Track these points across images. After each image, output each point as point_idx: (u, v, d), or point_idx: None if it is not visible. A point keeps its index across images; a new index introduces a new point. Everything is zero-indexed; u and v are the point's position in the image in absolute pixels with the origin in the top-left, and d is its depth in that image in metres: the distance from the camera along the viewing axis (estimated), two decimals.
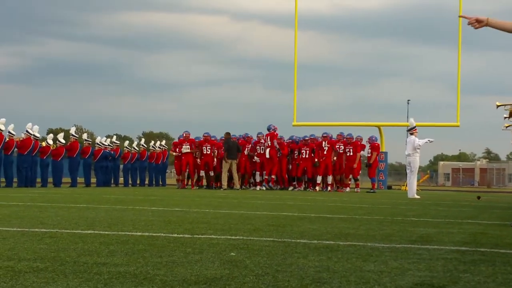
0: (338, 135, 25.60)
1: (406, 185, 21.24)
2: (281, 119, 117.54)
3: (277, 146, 25.00)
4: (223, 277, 3.46)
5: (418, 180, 23.23)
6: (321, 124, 35.78)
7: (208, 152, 25.41)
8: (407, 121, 30.85)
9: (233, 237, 5.51)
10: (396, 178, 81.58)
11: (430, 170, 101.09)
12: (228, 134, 25.06)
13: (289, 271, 3.74)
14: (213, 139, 26.13)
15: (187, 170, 26.30)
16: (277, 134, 25.47)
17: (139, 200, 12.70)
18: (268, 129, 25.54)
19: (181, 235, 5.59)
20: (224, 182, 24.38)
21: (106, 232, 5.70)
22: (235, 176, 24.39)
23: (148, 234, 5.59)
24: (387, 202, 15.24)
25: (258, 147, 25.54)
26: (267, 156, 24.90)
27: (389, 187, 37.31)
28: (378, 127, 36.08)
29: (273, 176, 25.21)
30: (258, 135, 25.93)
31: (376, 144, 25.86)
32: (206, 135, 25.81)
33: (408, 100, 67.58)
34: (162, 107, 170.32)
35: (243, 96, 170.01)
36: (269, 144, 24.97)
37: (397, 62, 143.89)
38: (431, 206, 13.25)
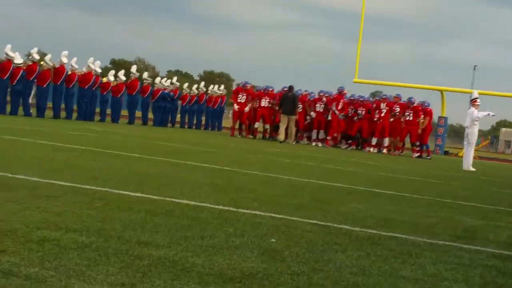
0: (395, 97, 25.42)
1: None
2: (342, 72, 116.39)
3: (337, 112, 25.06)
4: (258, 274, 3.52)
5: (477, 145, 22.93)
6: (382, 83, 35.44)
7: (265, 105, 25.46)
8: (471, 88, 30.37)
9: (276, 216, 5.57)
10: (454, 141, 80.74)
11: (491, 135, 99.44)
12: (290, 88, 24.99)
13: (325, 271, 3.79)
14: (270, 89, 26.12)
15: (240, 119, 26.50)
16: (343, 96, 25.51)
17: (192, 152, 12.84)
18: (340, 91, 25.60)
19: (226, 208, 5.67)
20: (281, 135, 24.40)
21: (154, 197, 5.81)
22: (292, 130, 24.38)
23: (194, 204, 5.68)
24: (440, 174, 15.12)
25: (318, 104, 25.48)
26: (329, 118, 24.98)
27: (446, 152, 36.88)
28: (441, 91, 35.56)
29: (328, 138, 25.25)
30: (320, 93, 25.95)
31: (429, 109, 25.49)
32: (266, 88, 25.92)
33: (475, 66, 66.20)
34: (225, 48, 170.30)
35: (306, 43, 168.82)
36: (335, 106, 25.00)
37: (468, 23, 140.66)
38: (484, 185, 13.11)
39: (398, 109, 24.62)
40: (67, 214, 4.51)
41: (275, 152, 16.39)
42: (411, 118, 24.39)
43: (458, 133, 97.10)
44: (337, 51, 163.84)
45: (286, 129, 24.44)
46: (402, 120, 24.56)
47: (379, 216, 6.39)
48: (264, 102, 25.51)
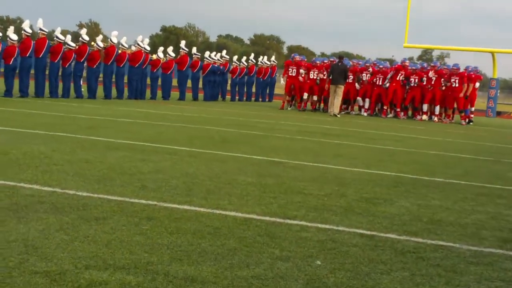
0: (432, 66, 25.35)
1: None
2: (392, 34, 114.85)
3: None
4: None
5: None
6: (432, 47, 35.05)
7: (314, 77, 25.47)
8: None
9: (323, 226, 5.63)
10: (509, 95, 79.40)
11: None
12: (340, 58, 24.90)
13: None
14: (319, 62, 26.13)
15: (291, 92, 26.62)
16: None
17: (241, 138, 12.91)
18: (402, 63, 25.54)
19: (272, 219, 5.75)
20: (330, 108, 24.36)
21: (201, 210, 5.91)
22: (337, 102, 24.30)
23: (241, 217, 5.77)
24: (491, 148, 14.95)
25: (364, 74, 25.42)
26: (385, 86, 24.93)
27: (499, 113, 36.46)
28: (492, 53, 34.95)
29: (385, 107, 25.26)
30: (375, 62, 26.02)
31: (473, 75, 25.14)
32: (315, 61, 25.98)
33: None
34: (274, 9, 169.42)
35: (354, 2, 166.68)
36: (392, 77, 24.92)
37: None
38: None
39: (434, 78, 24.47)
40: (116, 244, 4.63)
41: (324, 131, 16.39)
42: (457, 85, 24.13)
43: (511, 88, 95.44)
44: (385, 9, 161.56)
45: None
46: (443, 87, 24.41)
47: (426, 216, 6.40)
48: (313, 74, 25.49)
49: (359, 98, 25.74)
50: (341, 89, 24.07)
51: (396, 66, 25.68)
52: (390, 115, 25.44)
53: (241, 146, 11.38)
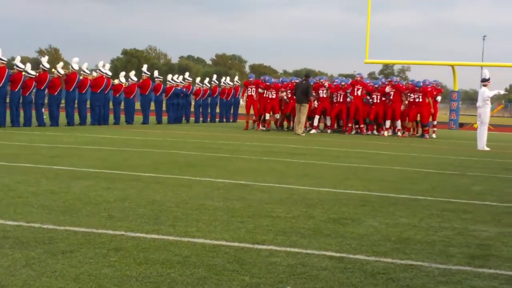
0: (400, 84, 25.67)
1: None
2: (353, 49, 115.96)
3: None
4: None
5: (492, 111, 22.97)
6: (394, 62, 35.43)
7: (273, 97, 25.60)
8: (481, 61, 30.11)
9: (292, 250, 5.63)
10: (469, 106, 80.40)
11: (504, 100, 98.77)
12: (306, 76, 25.09)
13: None
14: (283, 82, 26.24)
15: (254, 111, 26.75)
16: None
17: (206, 161, 12.87)
18: (356, 77, 25.84)
19: (242, 245, 5.73)
20: (296, 126, 24.49)
21: (170, 238, 5.87)
22: (302, 120, 24.39)
23: (210, 243, 5.74)
24: (455, 161, 15.11)
25: (321, 90, 25.60)
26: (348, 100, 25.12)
27: (461, 125, 36.89)
28: (452, 66, 35.43)
29: (349, 124, 25.44)
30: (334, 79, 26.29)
31: (434, 90, 25.54)
32: (274, 82, 26.05)
33: (484, 36, 66.28)
34: (236, 28, 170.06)
35: (315, 18, 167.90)
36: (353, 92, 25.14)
37: None
38: (500, 172, 13.08)
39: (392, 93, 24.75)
40: (84, 278, 4.58)
41: (290, 150, 16.43)
42: (420, 100, 24.44)
43: (472, 100, 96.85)
44: (346, 24, 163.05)
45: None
46: (405, 101, 24.67)
47: (394, 235, 6.43)
48: (271, 94, 25.62)
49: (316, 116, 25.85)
50: (305, 107, 24.17)
51: (352, 81, 25.96)
52: (353, 132, 25.63)
53: (207, 169, 11.35)
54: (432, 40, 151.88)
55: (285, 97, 25.60)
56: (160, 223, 6.52)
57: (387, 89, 24.69)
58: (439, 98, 26.98)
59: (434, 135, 25.65)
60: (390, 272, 5.08)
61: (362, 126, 25.54)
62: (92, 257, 5.15)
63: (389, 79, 25.95)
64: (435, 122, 26.31)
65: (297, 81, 25.84)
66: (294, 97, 24.64)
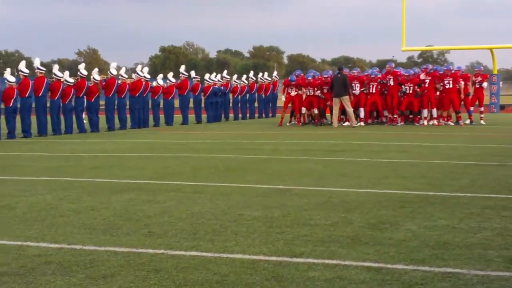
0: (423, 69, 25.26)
1: None
2: (391, 35, 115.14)
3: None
4: None
5: None
6: (431, 48, 35.12)
7: (311, 94, 25.51)
8: None
9: (330, 262, 5.65)
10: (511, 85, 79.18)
11: None
12: (339, 69, 24.96)
13: None
14: (311, 78, 26.01)
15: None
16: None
17: (244, 164, 12.92)
18: (388, 67, 25.56)
19: (280, 259, 5.77)
20: (334, 120, 24.44)
21: (209, 255, 5.94)
22: (348, 111, 24.33)
23: (248, 259, 5.79)
24: (494, 150, 14.93)
25: (353, 84, 25.28)
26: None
27: (502, 107, 36.47)
28: (490, 49, 34.97)
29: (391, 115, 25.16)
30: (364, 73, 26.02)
31: (465, 75, 25.22)
32: (309, 78, 25.90)
33: None
34: (272, 19, 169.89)
35: (353, 4, 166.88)
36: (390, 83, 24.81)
37: None
38: None
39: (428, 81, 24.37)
40: None
41: (328, 147, 16.41)
42: (451, 86, 24.08)
43: None
44: (382, 9, 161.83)
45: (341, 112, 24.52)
46: (439, 88, 24.31)
47: (432, 240, 6.41)
48: (308, 92, 25.56)
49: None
50: (347, 99, 24.09)
51: (384, 72, 25.62)
52: (400, 123, 25.13)
53: (246, 174, 11.41)
54: (469, 22, 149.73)
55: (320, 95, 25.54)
56: (199, 238, 6.59)
57: (422, 76, 24.39)
58: (485, 84, 26.82)
59: (482, 122, 25.47)
60: (428, 282, 5.08)
61: (395, 116, 25.21)
62: (132, 280, 5.23)
63: (424, 67, 25.60)
64: (481, 108, 26.04)
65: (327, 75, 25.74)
66: (331, 91, 24.50)
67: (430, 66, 25.85)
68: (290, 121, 27.12)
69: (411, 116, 25.74)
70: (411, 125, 24.84)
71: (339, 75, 24.38)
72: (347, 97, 24.14)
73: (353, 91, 24.78)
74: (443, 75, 24.33)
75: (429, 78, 24.27)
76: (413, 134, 20.62)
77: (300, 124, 26.20)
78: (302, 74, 27.08)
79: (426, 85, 24.22)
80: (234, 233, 6.83)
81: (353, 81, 24.98)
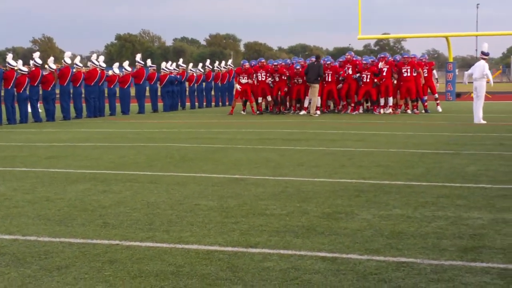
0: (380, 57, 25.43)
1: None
2: (348, 23, 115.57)
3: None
4: None
5: (492, 74, 22.82)
6: (387, 37, 35.46)
7: (262, 79, 25.51)
8: (476, 31, 30.04)
9: (285, 252, 5.67)
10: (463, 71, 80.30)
11: (502, 65, 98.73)
12: (317, 57, 25.03)
13: None
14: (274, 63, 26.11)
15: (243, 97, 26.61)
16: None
17: (200, 154, 12.90)
18: (346, 56, 25.68)
19: (235, 249, 5.79)
20: (312, 108, 24.48)
21: (164, 245, 5.92)
22: (313, 100, 24.44)
23: (203, 249, 5.79)
24: (450, 138, 15.11)
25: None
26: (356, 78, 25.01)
27: (458, 95, 36.86)
28: (446, 37, 35.35)
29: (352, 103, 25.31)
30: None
31: (423, 63, 25.41)
32: (261, 61, 25.98)
33: (478, 4, 66.23)
34: (228, 6, 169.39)
35: None
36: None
37: None
38: (495, 149, 13.09)
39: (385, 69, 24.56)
40: None
41: (285, 136, 16.45)
42: (408, 74, 24.30)
43: (470, 66, 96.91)
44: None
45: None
46: (395, 77, 24.52)
47: (387, 229, 6.47)
48: (260, 76, 25.53)
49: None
50: (316, 88, 24.19)
51: (344, 60, 25.77)
52: (356, 112, 25.30)
53: (202, 163, 11.39)
54: (425, 10, 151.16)
55: (270, 83, 25.54)
56: (154, 229, 6.56)
57: (380, 64, 24.57)
58: (434, 72, 27.04)
59: (439, 108, 25.75)
60: (382, 272, 5.12)
61: (352, 105, 25.39)
62: (87, 272, 5.20)
63: (381, 55, 25.74)
64: (436, 95, 26.27)
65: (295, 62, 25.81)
66: (305, 78, 24.53)
67: (387, 55, 26.01)
68: (243, 110, 27.07)
69: (367, 104, 25.94)
70: (368, 114, 25.01)
71: (315, 63, 24.46)
72: (317, 85, 24.22)
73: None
74: (400, 64, 24.52)
75: (387, 67, 24.44)
76: (369, 122, 20.79)
77: (256, 112, 26.17)
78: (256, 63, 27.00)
79: (384, 74, 24.37)
80: (190, 223, 6.82)
81: (326, 70, 25.02)
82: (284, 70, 25.48)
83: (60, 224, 6.87)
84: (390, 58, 25.52)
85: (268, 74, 25.49)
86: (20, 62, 23.00)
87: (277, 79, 25.42)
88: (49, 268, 5.31)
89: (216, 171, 10.37)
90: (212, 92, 33.25)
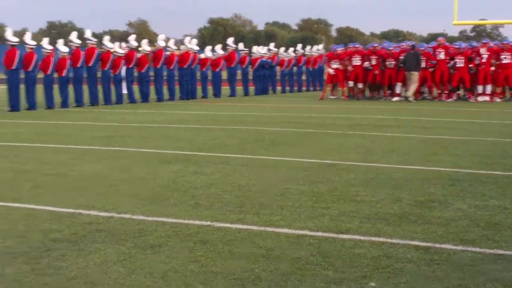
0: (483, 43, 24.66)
1: None
2: (442, 9, 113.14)
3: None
4: None
5: None
6: (484, 22, 34.37)
7: (358, 64, 25.27)
8: None
9: (377, 240, 5.60)
10: None
11: None
12: (412, 46, 24.75)
13: None
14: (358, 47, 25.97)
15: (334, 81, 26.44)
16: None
17: (287, 138, 12.88)
18: (438, 41, 25.22)
19: (326, 235, 5.76)
20: (409, 93, 24.18)
21: (254, 228, 5.94)
22: (413, 85, 24.10)
23: (293, 234, 5.78)
24: None
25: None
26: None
27: None
28: None
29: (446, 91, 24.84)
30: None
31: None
32: (356, 46, 25.80)
33: None
34: None
35: None
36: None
37: None
38: None
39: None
40: (171, 275, 4.70)
41: (376, 122, 16.25)
42: (509, 61, 23.55)
43: None
44: None
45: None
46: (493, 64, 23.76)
47: (483, 220, 6.30)
48: (355, 61, 25.31)
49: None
50: (416, 75, 23.88)
51: (434, 46, 25.23)
52: (450, 99, 24.73)
53: (292, 147, 11.38)
54: None
55: (369, 66, 25.24)
56: (245, 212, 6.60)
57: (482, 51, 23.87)
58: None
59: None
60: (478, 264, 4.99)
61: (446, 92, 24.86)
62: (179, 251, 5.26)
63: (483, 41, 25.00)
64: None
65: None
66: (404, 65, 24.21)
67: (489, 41, 25.31)
68: (332, 95, 26.91)
69: (458, 92, 25.30)
70: (463, 102, 24.41)
71: (412, 51, 24.17)
72: (417, 73, 23.91)
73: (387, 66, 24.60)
74: (499, 49, 23.84)
75: (488, 53, 23.76)
76: (464, 110, 20.31)
77: (347, 98, 25.98)
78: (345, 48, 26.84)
79: (484, 60, 23.70)
80: (280, 207, 6.81)
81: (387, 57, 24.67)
82: (382, 52, 25.17)
83: (153, 203, 6.98)
84: (492, 44, 24.80)
85: (365, 57, 25.22)
86: (116, 44, 23.48)
87: (373, 62, 25.09)
88: (143, 246, 5.40)
89: (306, 156, 10.34)
90: (303, 77, 33.18)
